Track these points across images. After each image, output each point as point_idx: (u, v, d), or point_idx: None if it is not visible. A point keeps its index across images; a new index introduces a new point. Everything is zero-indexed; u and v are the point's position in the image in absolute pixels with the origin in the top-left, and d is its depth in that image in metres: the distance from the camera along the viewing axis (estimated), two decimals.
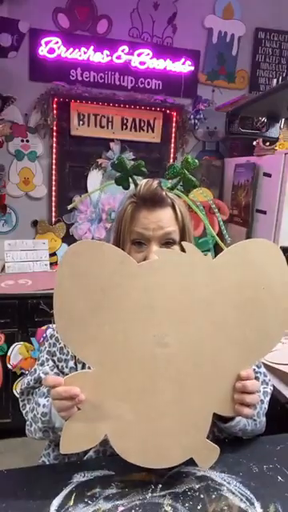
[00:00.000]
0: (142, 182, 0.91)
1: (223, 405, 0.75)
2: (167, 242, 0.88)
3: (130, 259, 0.72)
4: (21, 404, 0.98)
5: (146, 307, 0.72)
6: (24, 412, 0.96)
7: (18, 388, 2.09)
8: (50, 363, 0.97)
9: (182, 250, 0.81)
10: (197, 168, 0.92)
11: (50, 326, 1.47)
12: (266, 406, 0.96)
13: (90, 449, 0.89)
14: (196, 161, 0.90)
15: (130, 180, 0.92)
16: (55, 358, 0.96)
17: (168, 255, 0.76)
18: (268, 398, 0.98)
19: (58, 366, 0.96)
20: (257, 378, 0.94)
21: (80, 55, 2.49)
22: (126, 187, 0.93)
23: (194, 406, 0.74)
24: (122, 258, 0.72)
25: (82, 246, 0.72)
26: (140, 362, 0.72)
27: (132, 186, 0.92)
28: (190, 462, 0.79)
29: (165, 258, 0.74)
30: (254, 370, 0.95)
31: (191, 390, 0.74)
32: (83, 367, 0.91)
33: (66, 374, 0.88)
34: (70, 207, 2.50)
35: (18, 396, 1.00)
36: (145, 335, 0.72)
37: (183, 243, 0.75)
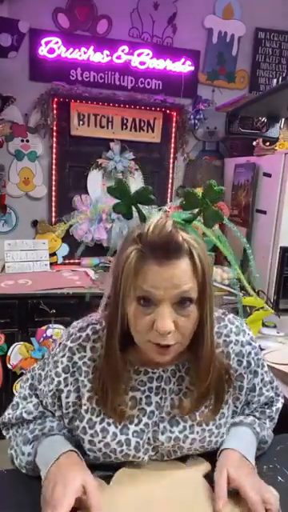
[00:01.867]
0: (152, 220, 0.69)
1: None
2: (182, 301, 0.69)
3: None
4: (5, 435, 0.90)
5: None
6: (10, 444, 0.87)
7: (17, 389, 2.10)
8: (34, 400, 0.87)
9: (200, 308, 0.72)
10: (222, 196, 0.71)
11: (50, 326, 1.43)
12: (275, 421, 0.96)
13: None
14: (222, 188, 0.70)
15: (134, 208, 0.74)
16: (38, 392, 0.87)
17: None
18: (277, 415, 0.96)
19: (41, 403, 0.86)
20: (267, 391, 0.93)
21: (80, 55, 2.49)
22: (128, 217, 0.75)
23: None
24: None
25: None
26: None
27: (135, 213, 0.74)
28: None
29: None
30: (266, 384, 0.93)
31: None
32: (75, 408, 0.82)
33: (50, 412, 0.85)
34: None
35: None
36: None
37: None
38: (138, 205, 0.72)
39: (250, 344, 0.87)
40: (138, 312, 0.70)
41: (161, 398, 0.81)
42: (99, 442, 0.79)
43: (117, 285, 0.72)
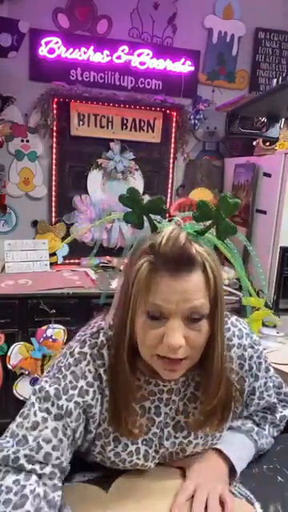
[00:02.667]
0: (164, 231, 0.67)
1: None
2: (193, 316, 0.68)
3: None
4: None
5: None
6: None
7: (17, 389, 2.10)
8: (51, 424, 0.74)
9: (212, 323, 0.70)
10: (238, 209, 0.68)
11: (50, 326, 1.41)
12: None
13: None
14: (238, 201, 0.67)
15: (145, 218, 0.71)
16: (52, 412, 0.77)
17: None
18: (284, 423, 0.96)
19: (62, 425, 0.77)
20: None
21: (80, 55, 2.49)
22: (140, 228, 0.72)
23: None
24: None
25: None
26: None
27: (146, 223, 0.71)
28: None
29: None
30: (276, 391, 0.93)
31: None
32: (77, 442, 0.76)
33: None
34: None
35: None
36: None
37: None
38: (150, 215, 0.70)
39: (253, 347, 0.86)
40: (147, 326, 0.68)
41: (170, 409, 0.81)
42: (110, 450, 0.79)
43: (127, 296, 0.69)
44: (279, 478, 0.84)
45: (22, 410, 0.75)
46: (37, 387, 0.76)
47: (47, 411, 0.73)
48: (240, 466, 0.83)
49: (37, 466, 0.69)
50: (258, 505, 0.76)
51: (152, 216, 0.71)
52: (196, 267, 0.67)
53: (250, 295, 0.97)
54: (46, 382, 0.76)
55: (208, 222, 0.70)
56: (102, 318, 0.84)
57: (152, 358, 0.71)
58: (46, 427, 0.72)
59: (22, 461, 0.69)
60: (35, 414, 0.73)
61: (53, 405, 0.73)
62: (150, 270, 0.66)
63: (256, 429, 0.90)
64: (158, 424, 0.80)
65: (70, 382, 0.75)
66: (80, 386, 0.75)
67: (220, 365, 0.74)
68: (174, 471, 0.83)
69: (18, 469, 0.69)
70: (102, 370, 0.76)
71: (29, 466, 0.69)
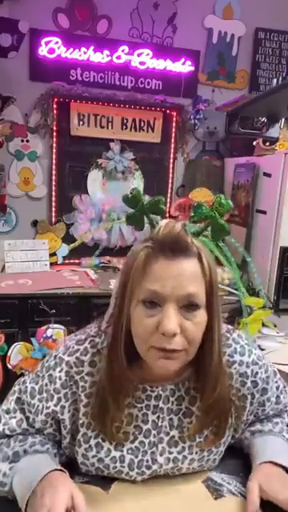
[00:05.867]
0: (162, 222, 0.71)
1: None
2: (189, 305, 0.68)
3: None
4: None
5: None
6: None
7: None
8: (18, 415, 0.81)
9: (208, 314, 0.71)
10: (230, 210, 0.74)
11: (50, 326, 1.42)
12: None
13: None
14: (230, 203, 0.73)
15: (146, 219, 0.74)
16: (26, 408, 0.81)
17: None
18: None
19: (28, 419, 0.81)
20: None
21: (80, 55, 2.49)
22: (140, 228, 0.75)
23: None
24: None
25: None
26: None
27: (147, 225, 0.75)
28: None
29: None
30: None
31: None
32: (58, 424, 0.80)
33: (36, 430, 0.81)
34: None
35: None
36: None
37: None
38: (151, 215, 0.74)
39: (257, 364, 0.84)
40: (143, 314, 0.68)
41: (158, 417, 0.79)
42: (93, 456, 0.78)
43: (125, 283, 0.71)
44: None
45: (9, 394, 0.84)
46: (22, 379, 0.84)
47: (21, 403, 0.82)
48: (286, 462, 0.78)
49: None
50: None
51: (152, 217, 0.74)
52: (191, 255, 0.69)
53: (250, 294, 0.97)
54: (29, 376, 0.83)
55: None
56: (96, 325, 0.83)
57: (147, 352, 0.70)
58: (15, 417, 0.81)
59: None
60: (11, 402, 0.82)
61: (26, 401, 0.81)
62: (147, 255, 0.68)
63: (285, 428, 0.89)
64: (146, 433, 0.78)
65: (46, 384, 0.79)
66: (51, 391, 0.78)
67: (218, 362, 0.74)
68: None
69: None
70: (78, 377, 0.77)
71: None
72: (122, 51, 2.53)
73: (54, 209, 2.64)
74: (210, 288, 0.70)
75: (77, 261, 2.66)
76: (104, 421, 0.75)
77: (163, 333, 0.66)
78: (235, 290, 2.20)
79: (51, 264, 2.54)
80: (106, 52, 2.51)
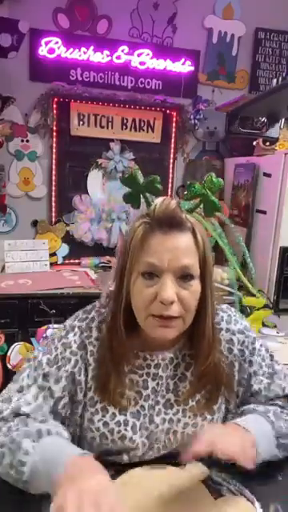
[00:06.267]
0: (158, 200, 0.78)
1: None
2: (184, 276, 0.74)
3: None
4: None
5: None
6: None
7: None
8: (33, 390, 0.80)
9: (202, 283, 0.77)
10: (221, 188, 0.80)
11: (50, 326, 1.44)
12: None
13: None
14: (221, 181, 0.79)
15: (142, 198, 0.80)
16: (41, 381, 0.81)
17: None
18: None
19: (43, 389, 0.80)
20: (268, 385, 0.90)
21: (80, 55, 2.49)
22: (137, 207, 0.82)
23: None
24: None
25: None
26: None
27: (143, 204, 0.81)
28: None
29: None
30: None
31: None
32: (72, 399, 0.81)
33: (54, 400, 0.79)
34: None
35: None
36: None
37: None
38: (147, 194, 0.79)
39: (243, 333, 0.88)
40: (142, 285, 0.74)
41: (157, 384, 0.84)
42: (98, 420, 0.82)
43: (124, 258, 0.77)
44: (279, 477, 0.84)
45: (14, 376, 0.84)
46: (32, 356, 0.86)
47: (34, 379, 0.81)
48: (261, 440, 0.77)
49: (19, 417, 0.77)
50: (258, 504, 0.75)
51: (148, 195, 0.80)
52: (186, 230, 0.75)
53: (250, 293, 1.00)
54: (40, 352, 0.85)
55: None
56: (101, 300, 0.89)
57: (146, 320, 0.76)
58: (28, 392, 0.79)
59: (6, 414, 0.76)
60: (23, 380, 0.81)
61: (42, 373, 0.81)
62: (145, 230, 0.75)
63: (272, 409, 0.86)
64: (146, 397, 0.83)
65: (61, 352, 0.82)
66: (67, 356, 0.82)
67: (211, 327, 0.81)
68: (176, 473, 0.83)
69: (5, 420, 0.76)
70: (87, 342, 0.83)
71: (12, 418, 0.76)
72: (122, 51, 2.54)
73: (53, 209, 2.64)
74: (204, 260, 0.76)
75: (77, 261, 2.66)
76: (108, 386, 0.80)
77: (161, 301, 0.72)
78: (235, 288, 2.20)
79: (51, 264, 2.54)
80: (106, 52, 2.51)
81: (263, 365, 0.90)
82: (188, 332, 0.81)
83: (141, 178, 0.79)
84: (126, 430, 0.81)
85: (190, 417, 0.84)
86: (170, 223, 0.74)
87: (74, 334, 0.83)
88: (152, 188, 0.79)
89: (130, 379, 0.83)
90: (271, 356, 0.93)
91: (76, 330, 0.84)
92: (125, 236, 0.82)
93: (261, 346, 0.92)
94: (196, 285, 0.76)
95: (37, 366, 0.82)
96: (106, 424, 0.81)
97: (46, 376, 0.81)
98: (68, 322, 0.87)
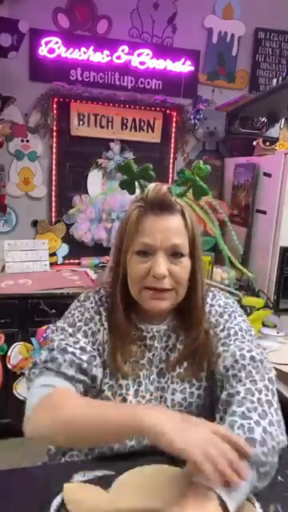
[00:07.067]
0: (150, 185, 0.88)
1: None
2: (175, 254, 0.83)
3: None
4: (28, 385, 0.85)
5: None
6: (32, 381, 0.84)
7: (17, 389, 2.10)
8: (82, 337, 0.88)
9: (192, 260, 0.86)
10: (208, 174, 0.87)
11: (50, 326, 1.45)
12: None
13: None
14: (208, 167, 0.87)
15: (137, 185, 0.89)
16: (64, 340, 0.86)
17: None
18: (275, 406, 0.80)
19: (71, 345, 0.86)
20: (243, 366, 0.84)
21: (80, 55, 2.49)
22: (132, 192, 0.90)
23: None
24: None
25: None
26: None
27: (137, 191, 0.90)
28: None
29: None
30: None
31: None
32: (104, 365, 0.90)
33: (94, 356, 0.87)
34: (72, 211, 2.53)
35: (26, 372, 0.89)
36: None
37: None
38: (141, 180, 0.88)
39: (223, 307, 0.94)
40: (137, 262, 0.83)
41: (153, 355, 0.92)
42: (105, 383, 0.90)
43: (120, 239, 0.87)
44: (279, 477, 0.84)
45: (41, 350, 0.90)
46: (52, 327, 0.93)
47: (63, 339, 0.87)
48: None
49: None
50: (258, 505, 0.75)
51: (142, 182, 0.89)
52: (176, 212, 0.84)
53: (231, 262, 1.12)
54: (58, 321, 0.93)
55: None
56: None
57: (140, 293, 0.85)
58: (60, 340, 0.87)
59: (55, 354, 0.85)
60: (54, 340, 0.87)
61: (67, 333, 0.88)
62: (139, 213, 0.84)
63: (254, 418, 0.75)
64: (141, 366, 0.90)
65: (82, 313, 0.91)
66: (88, 316, 0.90)
67: (201, 301, 0.89)
68: (176, 472, 0.83)
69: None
70: (102, 309, 0.92)
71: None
72: (122, 51, 2.54)
73: (53, 209, 2.64)
74: (193, 239, 0.85)
75: (77, 261, 2.66)
76: (115, 352, 0.88)
77: (154, 275, 0.81)
78: (235, 289, 2.20)
79: (51, 264, 2.54)
80: (106, 52, 2.51)
81: (240, 330, 0.89)
82: (178, 306, 0.89)
83: (135, 166, 0.87)
84: (127, 394, 0.89)
85: (177, 383, 0.90)
86: (161, 206, 0.83)
87: (91, 302, 0.92)
88: (145, 175, 0.87)
89: (130, 349, 0.90)
90: (250, 332, 0.90)
91: (91, 299, 0.93)
92: (121, 220, 0.90)
93: (243, 320, 0.94)
94: (186, 261, 0.85)
95: (61, 330, 0.89)
96: (110, 387, 0.89)
97: (72, 336, 0.88)
98: (82, 296, 0.96)
